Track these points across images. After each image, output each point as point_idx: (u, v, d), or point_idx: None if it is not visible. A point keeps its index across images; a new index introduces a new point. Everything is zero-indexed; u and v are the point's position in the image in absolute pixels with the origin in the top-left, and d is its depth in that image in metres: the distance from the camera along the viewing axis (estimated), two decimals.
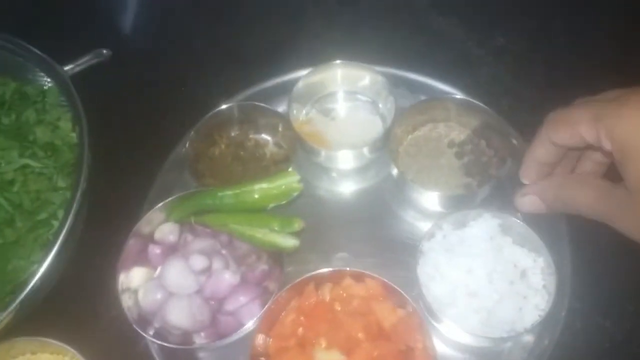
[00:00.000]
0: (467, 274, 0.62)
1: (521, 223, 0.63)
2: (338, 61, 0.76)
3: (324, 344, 0.56)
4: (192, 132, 0.72)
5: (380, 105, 0.78)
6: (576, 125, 0.44)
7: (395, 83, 0.77)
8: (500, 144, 0.72)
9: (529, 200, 0.53)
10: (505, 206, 0.67)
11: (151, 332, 0.61)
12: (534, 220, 0.63)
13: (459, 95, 0.77)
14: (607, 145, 0.43)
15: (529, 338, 0.64)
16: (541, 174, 0.53)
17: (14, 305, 0.58)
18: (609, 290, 0.66)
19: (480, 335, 0.58)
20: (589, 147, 0.48)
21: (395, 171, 0.70)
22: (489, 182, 0.69)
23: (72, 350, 0.60)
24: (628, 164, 0.41)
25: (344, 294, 0.61)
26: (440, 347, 0.62)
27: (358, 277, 0.61)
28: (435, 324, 0.62)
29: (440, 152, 0.74)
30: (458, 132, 0.75)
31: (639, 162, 0.41)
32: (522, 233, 0.64)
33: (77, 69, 0.75)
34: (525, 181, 0.54)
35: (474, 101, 0.72)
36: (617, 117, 0.41)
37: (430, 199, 0.69)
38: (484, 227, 0.65)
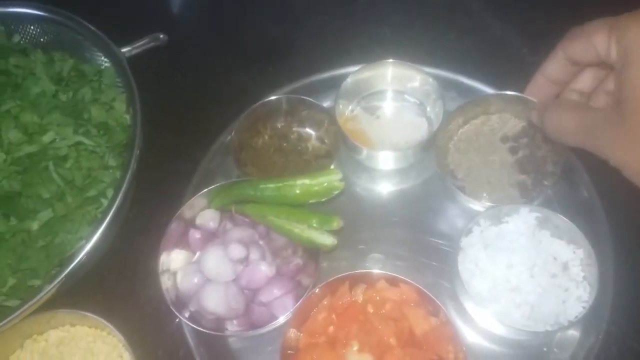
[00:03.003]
0: (508, 269, 0.61)
1: (558, 215, 0.62)
2: (390, 60, 0.75)
3: (356, 346, 0.57)
4: (238, 121, 0.73)
5: (427, 108, 0.77)
6: (591, 36, 0.46)
7: (445, 86, 0.76)
8: None
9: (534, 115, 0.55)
10: (546, 201, 0.68)
11: (186, 315, 0.63)
12: (571, 211, 0.63)
13: None
14: (614, 54, 0.43)
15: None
16: (547, 93, 0.54)
17: (59, 278, 0.61)
18: None
19: (525, 330, 0.58)
20: (601, 67, 0.48)
21: (443, 169, 0.68)
22: (546, 181, 0.66)
23: (109, 325, 0.62)
24: (627, 68, 0.42)
25: (377, 297, 0.61)
26: (482, 342, 0.64)
27: (392, 281, 0.61)
28: (477, 319, 0.62)
29: (493, 147, 0.71)
30: (513, 124, 0.71)
31: (638, 67, 0.41)
32: (559, 225, 0.63)
33: (134, 51, 0.77)
34: (529, 96, 0.57)
35: (530, 97, 0.69)
36: (629, 23, 0.43)
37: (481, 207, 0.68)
38: (521, 221, 0.64)
